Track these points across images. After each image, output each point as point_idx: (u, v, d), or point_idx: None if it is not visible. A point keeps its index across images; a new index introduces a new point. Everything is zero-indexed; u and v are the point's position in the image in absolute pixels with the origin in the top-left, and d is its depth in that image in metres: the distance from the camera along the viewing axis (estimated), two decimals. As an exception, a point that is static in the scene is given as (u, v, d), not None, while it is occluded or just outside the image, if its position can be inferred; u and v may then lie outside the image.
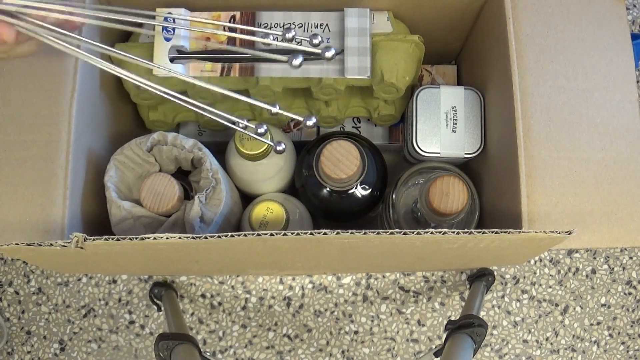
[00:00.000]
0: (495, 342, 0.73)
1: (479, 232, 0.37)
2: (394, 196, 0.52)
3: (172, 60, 0.47)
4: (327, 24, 0.48)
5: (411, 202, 0.51)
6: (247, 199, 0.58)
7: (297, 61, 0.42)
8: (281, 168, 0.54)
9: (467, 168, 0.55)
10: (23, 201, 0.43)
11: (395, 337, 0.72)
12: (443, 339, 0.55)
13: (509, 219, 0.44)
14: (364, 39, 0.47)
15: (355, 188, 0.50)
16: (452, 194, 0.43)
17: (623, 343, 0.73)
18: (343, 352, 0.72)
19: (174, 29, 0.47)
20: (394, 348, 0.72)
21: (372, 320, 0.73)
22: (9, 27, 0.36)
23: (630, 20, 0.80)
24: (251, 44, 0.48)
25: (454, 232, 0.36)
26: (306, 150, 0.54)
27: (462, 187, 0.43)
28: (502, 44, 0.46)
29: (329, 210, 0.54)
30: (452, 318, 0.73)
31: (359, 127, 0.63)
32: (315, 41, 0.43)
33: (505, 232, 0.37)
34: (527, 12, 0.46)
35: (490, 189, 0.51)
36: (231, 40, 0.48)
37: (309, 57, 0.45)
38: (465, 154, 0.52)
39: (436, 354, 0.58)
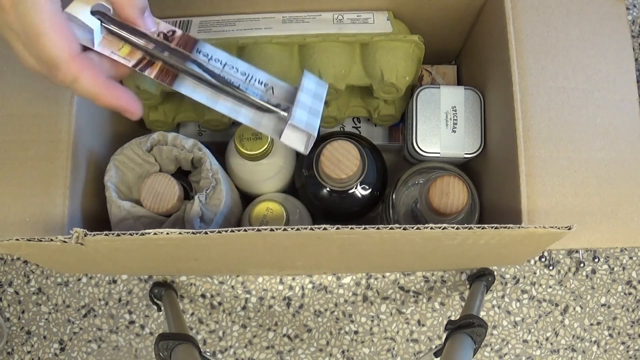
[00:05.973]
0: (495, 342, 0.73)
1: (479, 228, 0.37)
2: (394, 196, 0.52)
3: (93, 13, 0.35)
4: (272, 87, 0.39)
5: (411, 202, 0.51)
6: (247, 199, 0.58)
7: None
8: (281, 168, 0.54)
9: (467, 168, 0.55)
10: (23, 201, 0.43)
11: (395, 337, 0.72)
12: (443, 339, 0.55)
13: (509, 219, 0.44)
14: (319, 103, 0.39)
15: (355, 188, 0.50)
16: (452, 194, 0.43)
17: (623, 343, 0.73)
18: (343, 352, 0.72)
19: None
20: (394, 348, 0.72)
21: (372, 320, 0.73)
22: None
23: (630, 20, 0.80)
24: (187, 55, 0.38)
25: (453, 228, 0.36)
26: (306, 150, 0.54)
27: (462, 187, 0.43)
28: (502, 44, 0.46)
29: (329, 210, 0.54)
30: (452, 318, 0.73)
31: (359, 127, 0.63)
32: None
33: (504, 228, 0.37)
34: (527, 12, 0.46)
35: (490, 189, 0.51)
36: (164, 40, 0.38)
37: (248, 97, 0.38)
38: (465, 154, 0.52)
39: (436, 354, 0.58)
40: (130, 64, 0.36)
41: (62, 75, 0.32)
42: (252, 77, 0.39)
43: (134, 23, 0.35)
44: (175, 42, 0.38)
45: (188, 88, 0.37)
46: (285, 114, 0.38)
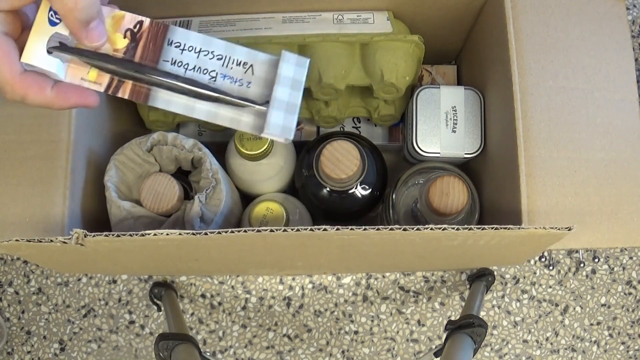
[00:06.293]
0: (495, 342, 0.73)
1: (479, 228, 0.37)
2: (394, 196, 0.52)
3: (50, 52, 0.34)
4: (251, 65, 0.38)
5: (411, 202, 0.51)
6: (247, 199, 0.58)
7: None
8: (281, 168, 0.54)
9: (467, 168, 0.55)
10: (23, 201, 0.43)
11: (395, 337, 0.72)
12: (443, 339, 0.55)
13: (509, 219, 0.44)
14: (296, 94, 0.37)
15: (355, 188, 0.50)
16: (452, 194, 0.43)
17: (623, 343, 0.73)
18: (343, 352, 0.72)
19: None
20: (394, 348, 0.72)
21: (372, 320, 0.73)
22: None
23: (630, 20, 0.80)
24: (154, 62, 0.36)
25: (453, 228, 0.36)
26: (306, 150, 0.54)
27: (462, 187, 0.43)
28: (502, 44, 0.46)
29: (329, 210, 0.54)
30: (452, 318, 0.73)
31: (359, 127, 0.63)
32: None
33: (504, 229, 0.37)
34: (527, 12, 0.46)
35: (490, 189, 0.51)
36: (130, 51, 0.36)
37: (222, 97, 0.37)
38: (465, 154, 0.52)
39: (436, 354, 0.58)
40: (102, 89, 0.36)
41: (10, 96, 0.34)
42: (229, 58, 0.38)
43: (76, 35, 0.34)
44: (144, 40, 0.36)
45: (163, 101, 0.36)
46: (264, 108, 0.36)
